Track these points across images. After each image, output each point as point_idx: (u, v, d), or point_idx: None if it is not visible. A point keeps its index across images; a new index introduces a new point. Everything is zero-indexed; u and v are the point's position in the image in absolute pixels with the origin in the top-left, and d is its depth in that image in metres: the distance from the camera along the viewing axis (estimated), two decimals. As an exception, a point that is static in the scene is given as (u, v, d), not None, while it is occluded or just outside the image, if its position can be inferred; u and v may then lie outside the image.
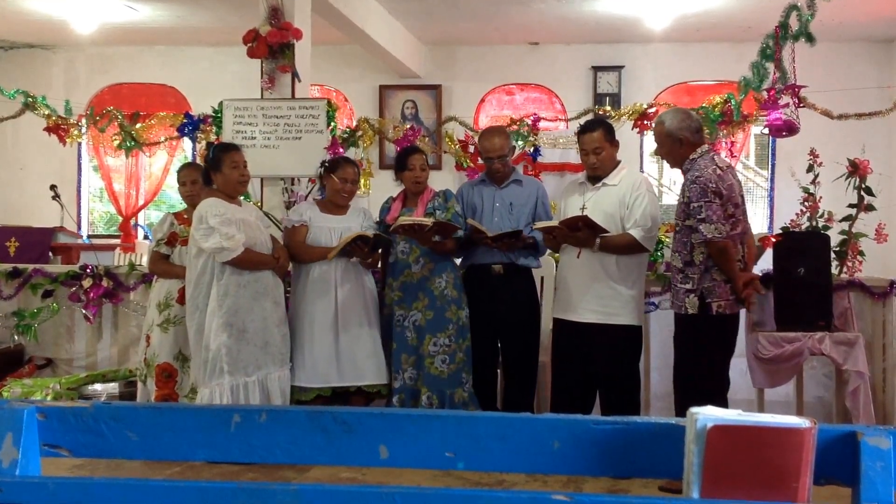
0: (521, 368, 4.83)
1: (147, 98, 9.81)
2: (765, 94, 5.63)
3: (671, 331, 4.45)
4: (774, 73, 5.58)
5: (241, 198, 4.76)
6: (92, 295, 5.84)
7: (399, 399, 4.65)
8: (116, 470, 3.75)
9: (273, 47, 5.91)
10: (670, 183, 10.49)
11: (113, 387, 5.57)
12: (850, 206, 5.41)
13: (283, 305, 4.62)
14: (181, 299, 4.62)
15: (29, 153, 9.84)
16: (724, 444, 1.54)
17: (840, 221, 5.38)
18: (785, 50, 5.55)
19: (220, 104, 6.07)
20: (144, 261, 6.09)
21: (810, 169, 5.33)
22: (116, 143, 7.04)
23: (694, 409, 1.58)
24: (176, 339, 4.69)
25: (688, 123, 4.27)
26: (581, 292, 4.50)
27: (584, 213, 4.41)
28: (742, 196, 4.29)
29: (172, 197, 10.77)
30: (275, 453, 1.81)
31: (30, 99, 6.91)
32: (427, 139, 7.34)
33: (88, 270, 5.88)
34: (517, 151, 6.22)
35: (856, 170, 5.37)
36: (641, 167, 9.13)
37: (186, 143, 7.91)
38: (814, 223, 5.31)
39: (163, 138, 7.27)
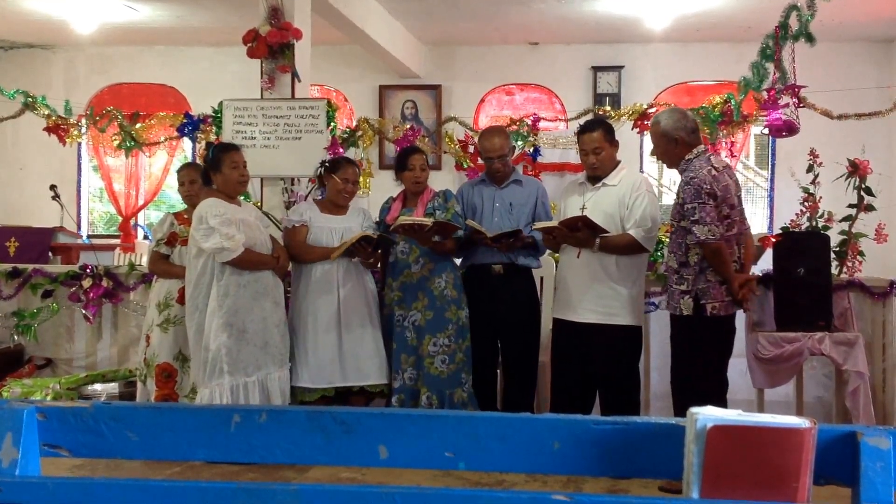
0: (521, 368, 4.83)
1: (147, 98, 9.81)
2: (765, 94, 5.63)
3: (671, 331, 4.45)
4: (774, 74, 5.58)
5: (241, 198, 4.77)
6: (92, 295, 5.84)
7: (398, 399, 4.65)
8: (116, 470, 3.75)
9: (273, 47, 5.91)
10: (670, 183, 10.47)
11: (113, 387, 5.57)
12: (850, 206, 5.41)
13: (282, 305, 4.62)
14: (181, 299, 4.62)
15: (29, 153, 9.84)
16: (724, 444, 1.54)
17: (840, 221, 5.37)
18: (785, 50, 5.55)
19: (220, 104, 6.07)
20: (144, 261, 6.09)
21: (810, 169, 5.33)
22: (116, 143, 7.05)
23: (694, 409, 1.58)
24: (176, 339, 4.69)
25: (683, 123, 4.26)
26: (581, 292, 4.49)
27: (584, 214, 4.41)
28: (739, 197, 4.28)
29: (172, 197, 10.77)
30: (275, 453, 1.81)
31: (30, 99, 6.91)
32: (427, 139, 7.33)
33: (88, 270, 5.88)
34: (517, 151, 6.23)
35: (856, 170, 5.37)
36: (641, 167, 9.12)
37: (186, 143, 7.92)
38: (814, 223, 5.31)
39: (163, 138, 7.27)
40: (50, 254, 7.02)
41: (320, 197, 5.11)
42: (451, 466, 1.77)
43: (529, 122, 6.68)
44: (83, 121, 7.01)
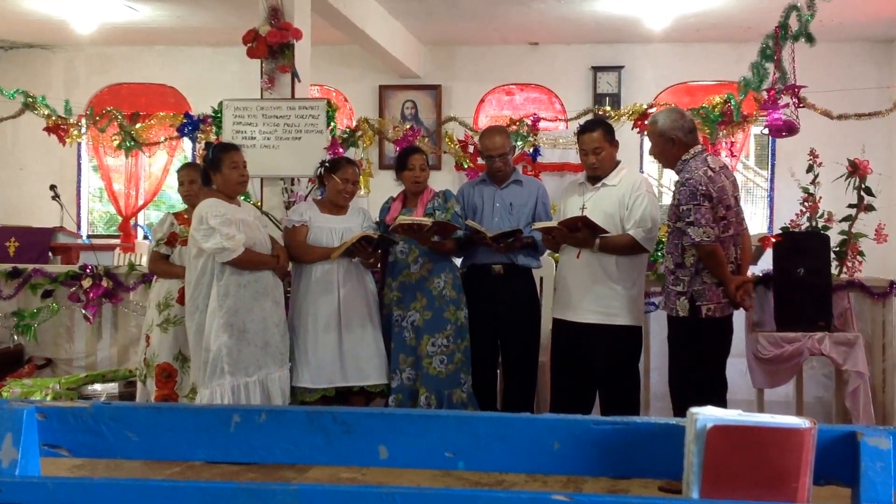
0: (520, 368, 4.83)
1: (147, 98, 9.81)
2: (765, 94, 5.62)
3: (670, 331, 4.44)
4: (774, 74, 5.58)
5: (241, 198, 4.77)
6: (92, 295, 5.84)
7: (396, 399, 4.64)
8: (116, 470, 3.75)
9: (273, 47, 5.91)
10: (670, 183, 10.42)
11: (113, 387, 5.57)
12: (850, 206, 5.41)
13: (282, 305, 4.62)
14: (181, 299, 4.62)
15: (29, 153, 9.84)
16: (724, 445, 1.54)
17: (840, 222, 5.37)
18: (785, 50, 5.55)
19: (220, 104, 6.07)
20: (144, 261, 6.09)
21: (810, 169, 5.32)
22: (116, 143, 7.05)
23: (694, 410, 1.58)
24: (176, 340, 4.70)
25: (680, 123, 4.26)
26: (581, 292, 4.49)
27: (584, 214, 4.41)
28: (736, 197, 4.26)
29: (172, 197, 10.77)
30: (275, 453, 1.81)
31: (29, 99, 6.92)
32: (427, 139, 7.34)
33: (88, 270, 5.88)
34: (517, 152, 6.23)
35: (855, 170, 5.37)
36: (641, 167, 9.12)
37: (186, 143, 7.92)
38: (813, 223, 5.31)
39: (162, 138, 7.28)
40: (50, 254, 7.02)
41: (320, 197, 5.11)
42: (450, 466, 1.77)
43: (529, 123, 6.68)
44: (83, 121, 7.02)
